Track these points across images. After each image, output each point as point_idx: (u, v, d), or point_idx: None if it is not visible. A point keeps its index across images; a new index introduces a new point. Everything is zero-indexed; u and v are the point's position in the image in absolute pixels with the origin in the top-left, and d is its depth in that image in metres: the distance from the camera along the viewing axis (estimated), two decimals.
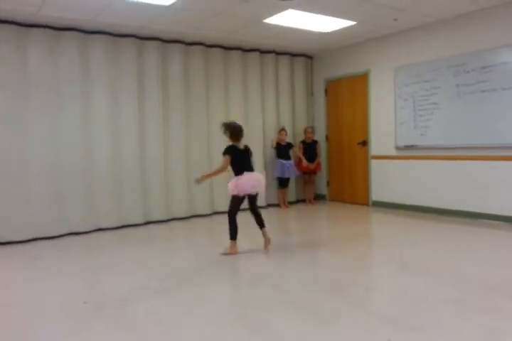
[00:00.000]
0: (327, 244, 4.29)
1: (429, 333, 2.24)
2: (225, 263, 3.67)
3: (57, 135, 4.94)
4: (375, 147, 6.24)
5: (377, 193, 6.28)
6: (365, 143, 6.39)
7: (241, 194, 3.90)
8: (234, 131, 3.96)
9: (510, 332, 2.24)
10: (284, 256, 3.92)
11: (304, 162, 6.56)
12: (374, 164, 6.27)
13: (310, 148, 6.69)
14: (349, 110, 6.64)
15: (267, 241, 4.03)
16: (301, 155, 6.62)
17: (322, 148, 6.95)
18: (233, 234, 3.96)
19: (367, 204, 6.39)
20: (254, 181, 3.92)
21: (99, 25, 5.01)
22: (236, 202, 3.96)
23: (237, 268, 3.54)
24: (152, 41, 5.55)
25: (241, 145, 4.01)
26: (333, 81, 6.90)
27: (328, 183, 7.09)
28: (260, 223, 4.06)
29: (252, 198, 4.04)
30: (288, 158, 6.52)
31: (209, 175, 4.11)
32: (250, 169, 3.98)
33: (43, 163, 4.84)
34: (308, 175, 6.81)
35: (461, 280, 3.04)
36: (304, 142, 6.75)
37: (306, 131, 6.76)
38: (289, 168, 6.48)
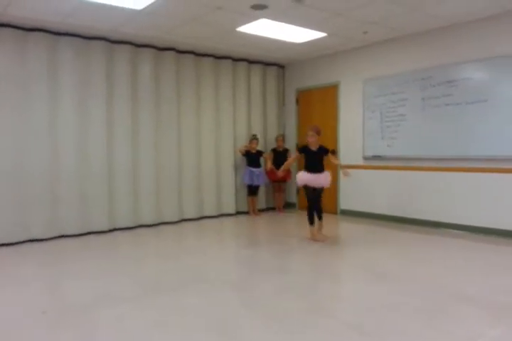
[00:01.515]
0: (295, 252, 4.30)
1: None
2: (192, 270, 3.62)
3: (21, 137, 4.78)
4: (344, 156, 6.33)
5: (345, 202, 6.36)
6: (334, 153, 6.43)
7: (301, 184, 4.78)
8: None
9: (469, 338, 2.29)
10: (252, 263, 3.90)
11: (269, 165, 6.50)
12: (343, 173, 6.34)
13: (280, 156, 6.72)
14: (319, 120, 6.72)
15: (320, 230, 4.82)
16: (269, 162, 6.62)
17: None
18: (309, 220, 4.79)
19: (335, 213, 6.46)
20: (310, 177, 4.66)
21: (69, 27, 4.91)
22: (305, 193, 4.83)
23: (204, 275, 3.49)
24: (123, 45, 5.47)
25: (316, 146, 4.73)
26: (304, 91, 6.99)
27: (298, 191, 7.11)
28: (318, 216, 4.84)
29: (316, 192, 4.77)
30: (258, 165, 6.54)
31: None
32: (314, 168, 4.69)
33: (5, 166, 4.67)
34: (277, 183, 6.85)
35: (427, 288, 3.09)
36: (274, 150, 6.80)
37: (277, 140, 6.82)
38: (259, 176, 6.50)
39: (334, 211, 6.49)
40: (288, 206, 7.19)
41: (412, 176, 5.48)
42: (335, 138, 6.47)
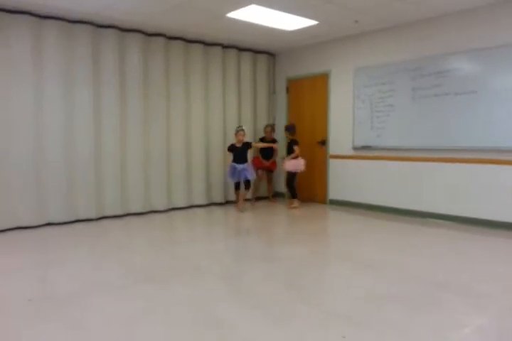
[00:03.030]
0: (282, 241, 4.29)
1: (380, 330, 2.26)
2: (181, 260, 3.60)
3: (5, 124, 4.66)
4: (334, 147, 6.31)
5: (334, 192, 6.36)
6: (324, 143, 6.45)
7: (293, 170, 6.21)
8: (294, 130, 6.28)
9: (454, 327, 2.31)
10: (239, 253, 3.90)
11: (260, 145, 6.37)
12: (332, 163, 6.34)
13: (267, 147, 6.56)
14: (310, 109, 6.69)
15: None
16: (259, 144, 6.45)
17: (282, 147, 6.88)
18: (295, 193, 6.30)
19: (325, 203, 6.47)
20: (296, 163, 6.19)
21: (53, 10, 4.74)
22: (290, 176, 6.29)
23: (192, 265, 3.48)
24: (109, 29, 5.30)
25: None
26: (294, 80, 6.93)
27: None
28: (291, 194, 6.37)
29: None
30: (243, 160, 5.93)
31: (294, 157, 6.17)
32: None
33: None
34: (261, 171, 6.64)
35: (412, 277, 3.11)
36: (263, 140, 6.69)
37: (265, 130, 6.69)
38: (241, 172, 5.92)
39: (324, 201, 6.49)
40: (277, 196, 7.13)
41: (400, 166, 5.48)
42: (325, 128, 6.44)
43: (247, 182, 6.07)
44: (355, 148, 6.00)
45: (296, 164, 6.18)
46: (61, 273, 3.28)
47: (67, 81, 5.04)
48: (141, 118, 5.65)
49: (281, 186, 7.17)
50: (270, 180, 6.92)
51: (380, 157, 5.71)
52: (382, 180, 5.72)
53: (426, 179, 5.26)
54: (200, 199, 6.35)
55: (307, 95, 6.74)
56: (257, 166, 6.61)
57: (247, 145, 6.04)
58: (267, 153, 6.66)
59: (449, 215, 5.05)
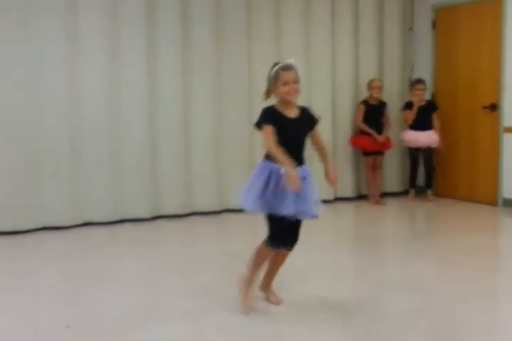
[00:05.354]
0: (429, 262, 4.30)
1: None
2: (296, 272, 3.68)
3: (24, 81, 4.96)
4: (510, 115, 5.95)
5: (511, 187, 6.02)
6: (494, 108, 6.10)
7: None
8: None
9: None
10: (370, 277, 3.87)
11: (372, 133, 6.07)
12: (508, 141, 6.02)
13: (374, 113, 6.30)
14: (470, 55, 6.38)
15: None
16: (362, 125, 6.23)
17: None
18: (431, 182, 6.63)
19: (494, 204, 6.15)
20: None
21: None
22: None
23: (284, 282, 3.42)
24: None
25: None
26: (444, 9, 6.63)
27: (433, 169, 6.79)
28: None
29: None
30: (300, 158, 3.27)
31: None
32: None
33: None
34: (372, 157, 6.29)
35: None
36: (365, 103, 6.34)
37: (370, 86, 6.30)
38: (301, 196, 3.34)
39: (493, 201, 6.16)
40: (418, 191, 6.81)
41: None
42: (496, 85, 6.09)
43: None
44: None
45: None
46: (104, 291, 3.49)
47: (110, 24, 5.33)
48: (211, 77, 5.85)
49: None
50: (379, 169, 6.44)
51: None
52: None
53: None
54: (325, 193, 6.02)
55: (466, 32, 6.42)
56: (363, 148, 6.30)
57: (311, 120, 3.17)
58: (374, 124, 6.25)
59: None
